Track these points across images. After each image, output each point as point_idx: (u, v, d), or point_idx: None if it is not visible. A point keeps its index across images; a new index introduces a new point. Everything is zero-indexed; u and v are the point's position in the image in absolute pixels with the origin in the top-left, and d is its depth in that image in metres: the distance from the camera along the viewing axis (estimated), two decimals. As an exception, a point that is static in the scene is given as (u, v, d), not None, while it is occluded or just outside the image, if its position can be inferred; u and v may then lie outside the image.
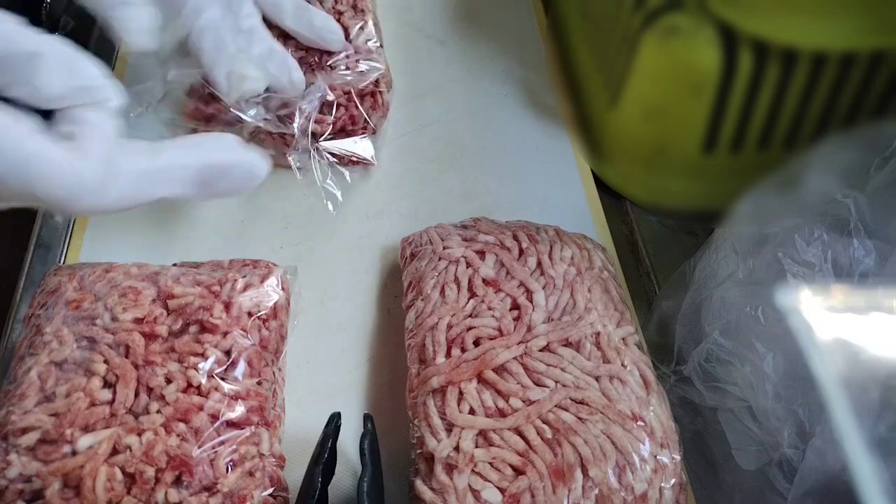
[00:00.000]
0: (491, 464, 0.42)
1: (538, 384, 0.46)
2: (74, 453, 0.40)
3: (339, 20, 0.63)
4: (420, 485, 0.44)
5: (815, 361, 0.45)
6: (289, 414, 0.50)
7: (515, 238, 0.53)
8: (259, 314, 0.47)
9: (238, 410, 0.43)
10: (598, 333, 0.48)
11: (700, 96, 0.58)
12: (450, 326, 0.48)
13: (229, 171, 0.43)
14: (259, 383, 0.45)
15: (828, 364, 0.44)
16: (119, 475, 0.40)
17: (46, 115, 0.37)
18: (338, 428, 0.45)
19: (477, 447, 0.43)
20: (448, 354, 0.47)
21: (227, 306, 0.46)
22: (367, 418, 0.44)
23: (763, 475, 0.47)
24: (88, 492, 0.39)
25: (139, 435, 0.41)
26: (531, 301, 0.49)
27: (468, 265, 0.51)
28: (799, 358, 0.45)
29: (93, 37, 0.76)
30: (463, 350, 0.47)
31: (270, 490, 0.44)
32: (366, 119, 0.62)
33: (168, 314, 0.45)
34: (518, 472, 0.42)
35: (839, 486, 0.43)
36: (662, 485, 0.44)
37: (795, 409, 0.46)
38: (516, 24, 0.79)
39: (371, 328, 0.58)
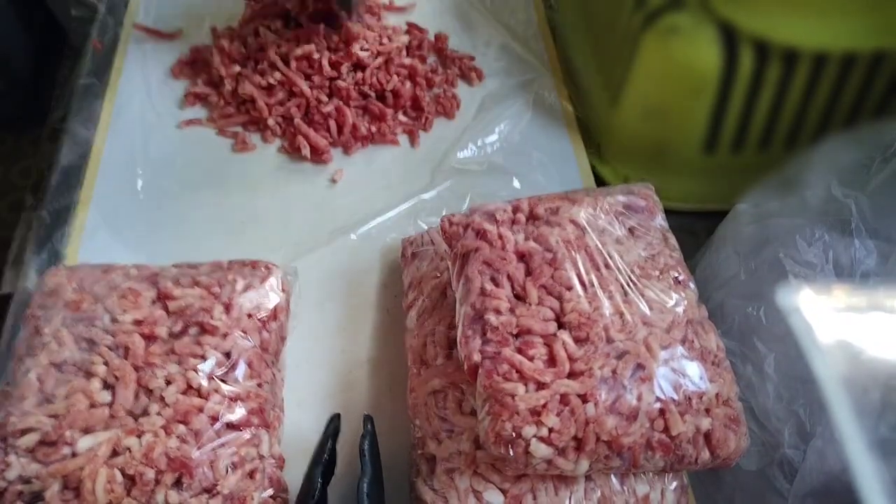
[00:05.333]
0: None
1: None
2: (74, 455, 0.40)
3: None
4: (421, 485, 0.44)
5: (817, 362, 0.45)
6: (288, 415, 0.50)
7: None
8: (259, 315, 0.47)
9: (238, 412, 0.43)
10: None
11: (701, 96, 0.58)
12: (451, 327, 0.48)
13: None
14: (259, 385, 0.45)
15: (829, 364, 0.44)
16: (119, 477, 0.39)
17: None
18: (337, 429, 0.45)
19: (478, 448, 0.43)
20: (449, 356, 0.47)
21: (227, 308, 0.46)
22: (366, 419, 0.44)
23: (764, 475, 0.47)
24: (88, 493, 0.39)
25: (139, 437, 0.41)
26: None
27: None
28: (800, 358, 0.45)
29: (95, 25, 0.76)
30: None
31: (270, 491, 0.43)
32: None
33: (168, 316, 0.45)
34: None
35: (840, 486, 0.43)
36: (664, 487, 0.44)
37: (796, 410, 0.46)
38: (517, 25, 0.79)
39: (371, 328, 0.57)
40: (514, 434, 0.38)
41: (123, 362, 0.43)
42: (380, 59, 0.70)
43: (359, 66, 0.69)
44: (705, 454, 0.40)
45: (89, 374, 0.42)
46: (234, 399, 0.43)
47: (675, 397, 0.40)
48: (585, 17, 0.73)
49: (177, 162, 0.67)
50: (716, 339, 0.44)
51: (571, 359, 0.40)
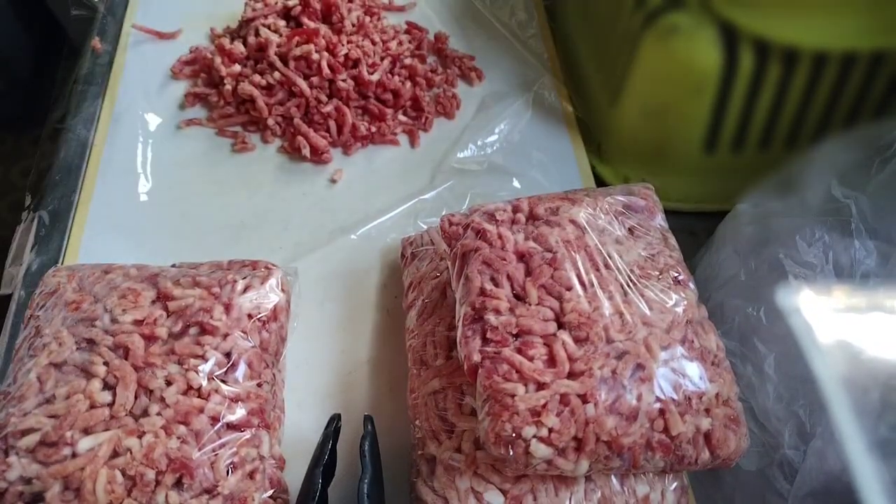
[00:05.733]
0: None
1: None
2: (75, 455, 0.40)
3: None
4: (421, 486, 0.44)
5: (816, 362, 0.45)
6: (289, 415, 0.50)
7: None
8: (259, 316, 0.47)
9: (238, 412, 0.43)
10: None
11: (701, 96, 0.58)
12: (450, 328, 0.48)
13: None
14: (259, 385, 0.45)
15: (829, 365, 0.44)
16: (119, 477, 0.39)
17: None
18: (338, 429, 0.45)
19: (478, 449, 0.43)
20: (449, 356, 0.47)
21: (228, 308, 0.46)
22: (367, 419, 0.44)
23: (763, 476, 0.47)
24: (89, 494, 0.39)
25: (139, 437, 0.41)
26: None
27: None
28: (800, 358, 0.45)
29: (95, 25, 0.76)
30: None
31: (271, 492, 0.43)
32: None
33: (168, 316, 0.45)
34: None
35: (840, 486, 0.43)
36: (664, 487, 0.44)
37: (796, 410, 0.46)
38: (517, 25, 0.79)
39: (371, 329, 0.57)
40: (513, 434, 0.38)
41: (123, 363, 0.43)
42: (386, 61, 0.70)
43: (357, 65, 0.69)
44: (705, 454, 0.40)
45: (89, 375, 0.42)
46: (235, 399, 0.43)
47: (675, 397, 0.39)
48: (585, 17, 0.73)
49: (177, 162, 0.67)
50: (716, 339, 0.44)
51: (571, 359, 0.39)
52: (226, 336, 0.45)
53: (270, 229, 0.63)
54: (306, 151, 0.66)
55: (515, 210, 0.46)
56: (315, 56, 0.67)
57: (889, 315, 0.46)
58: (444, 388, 0.46)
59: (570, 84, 0.74)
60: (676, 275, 0.44)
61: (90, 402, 0.41)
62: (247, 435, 0.43)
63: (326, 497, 0.42)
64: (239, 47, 0.70)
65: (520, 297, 0.42)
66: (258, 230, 0.63)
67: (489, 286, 0.42)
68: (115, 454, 0.40)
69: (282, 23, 0.71)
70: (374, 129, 0.68)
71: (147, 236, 0.62)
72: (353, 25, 0.71)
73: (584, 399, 0.38)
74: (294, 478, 0.44)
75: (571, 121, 0.71)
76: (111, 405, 0.42)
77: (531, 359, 0.40)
